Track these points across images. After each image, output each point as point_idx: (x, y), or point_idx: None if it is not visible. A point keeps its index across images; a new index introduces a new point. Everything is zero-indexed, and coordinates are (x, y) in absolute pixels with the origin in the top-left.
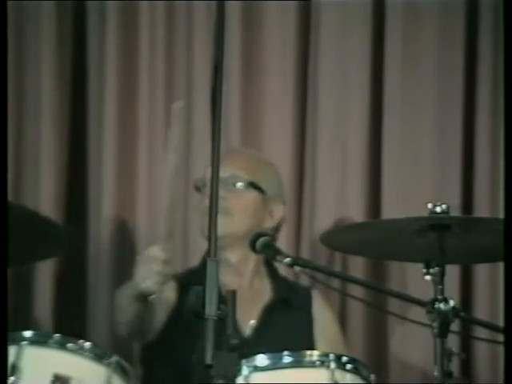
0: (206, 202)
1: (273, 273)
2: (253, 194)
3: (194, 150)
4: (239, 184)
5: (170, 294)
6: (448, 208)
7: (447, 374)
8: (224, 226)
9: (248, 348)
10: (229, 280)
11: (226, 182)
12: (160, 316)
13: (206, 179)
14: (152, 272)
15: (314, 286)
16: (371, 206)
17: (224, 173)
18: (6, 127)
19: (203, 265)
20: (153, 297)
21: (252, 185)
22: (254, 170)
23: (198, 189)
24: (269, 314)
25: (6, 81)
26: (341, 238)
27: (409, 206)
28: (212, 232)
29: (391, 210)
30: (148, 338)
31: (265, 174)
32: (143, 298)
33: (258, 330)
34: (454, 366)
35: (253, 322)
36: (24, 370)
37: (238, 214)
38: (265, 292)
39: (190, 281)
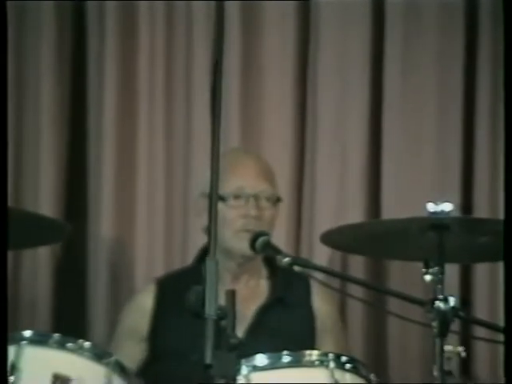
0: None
1: (273, 273)
2: (277, 207)
3: (193, 150)
4: (271, 199)
5: (147, 300)
6: (448, 208)
7: (446, 374)
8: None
9: (242, 348)
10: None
11: (257, 196)
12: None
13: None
14: None
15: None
16: (371, 206)
17: (257, 186)
18: (5, 128)
19: (187, 270)
20: None
21: (279, 199)
22: (275, 183)
23: (236, 197)
24: (263, 315)
25: (5, 81)
26: (341, 237)
27: (408, 206)
28: (212, 232)
29: (391, 211)
30: None
31: (276, 182)
32: None
33: (251, 330)
34: (454, 366)
35: (248, 320)
36: (23, 370)
37: (268, 225)
38: (260, 292)
39: (175, 285)
